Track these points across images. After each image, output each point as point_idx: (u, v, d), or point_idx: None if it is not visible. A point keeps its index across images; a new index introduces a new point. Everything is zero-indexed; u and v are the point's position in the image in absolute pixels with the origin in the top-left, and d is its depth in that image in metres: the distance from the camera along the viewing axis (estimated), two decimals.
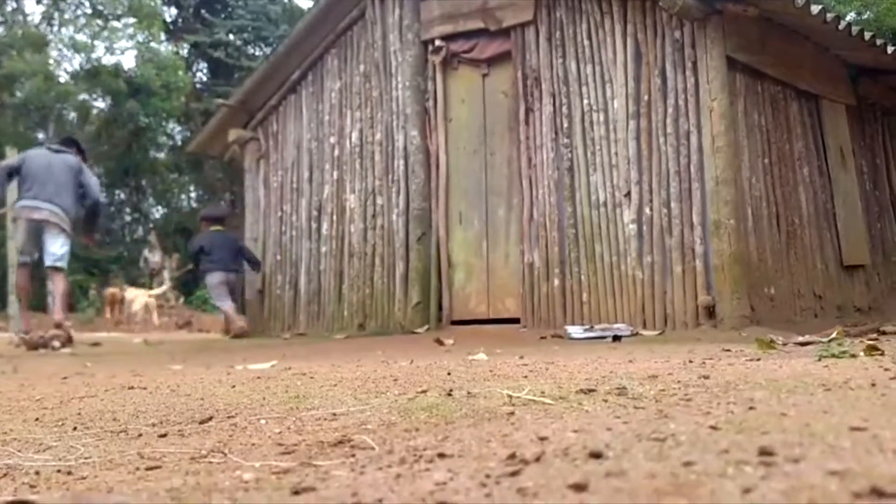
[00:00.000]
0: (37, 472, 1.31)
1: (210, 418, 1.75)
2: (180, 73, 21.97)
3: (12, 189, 6.70)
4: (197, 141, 9.19)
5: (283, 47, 8.02)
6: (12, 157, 7.71)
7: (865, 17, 11.53)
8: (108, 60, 22.34)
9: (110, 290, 15.75)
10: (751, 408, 1.30)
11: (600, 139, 5.90)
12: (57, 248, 6.26)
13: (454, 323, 6.50)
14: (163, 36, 23.31)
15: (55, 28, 23.08)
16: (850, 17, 11.20)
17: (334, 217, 7.42)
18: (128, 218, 24.57)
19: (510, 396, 1.73)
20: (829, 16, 5.68)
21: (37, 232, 6.27)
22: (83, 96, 21.83)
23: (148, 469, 1.29)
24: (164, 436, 1.59)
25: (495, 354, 3.52)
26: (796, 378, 1.74)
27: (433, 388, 1.99)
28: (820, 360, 2.25)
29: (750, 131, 5.75)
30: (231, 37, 23.99)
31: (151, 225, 23.32)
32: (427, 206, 6.80)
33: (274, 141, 8.09)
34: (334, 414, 1.70)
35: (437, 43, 6.82)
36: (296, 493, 0.98)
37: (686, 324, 5.33)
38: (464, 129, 6.73)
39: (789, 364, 2.14)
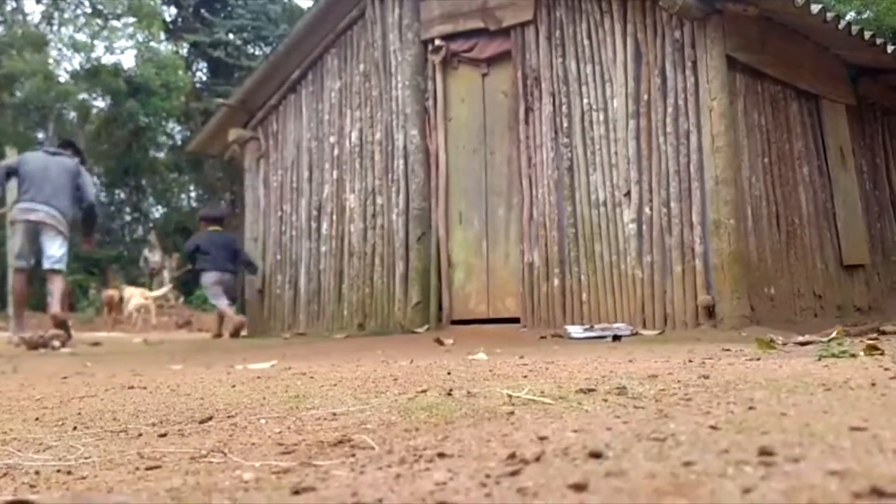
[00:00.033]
0: (37, 472, 1.31)
1: (210, 418, 1.75)
2: (180, 72, 21.97)
3: (11, 189, 6.69)
4: (197, 140, 9.20)
5: (282, 47, 8.02)
6: (11, 157, 7.68)
7: (865, 16, 11.53)
8: (107, 60, 22.39)
9: (108, 293, 15.76)
10: (751, 408, 1.30)
11: (600, 139, 5.90)
12: (55, 250, 6.26)
13: (454, 323, 6.50)
14: (162, 35, 23.31)
15: (55, 27, 23.07)
16: (850, 16, 11.20)
17: (334, 217, 7.42)
18: (128, 217, 24.55)
19: (510, 396, 1.73)
20: (829, 15, 5.68)
21: (34, 234, 6.27)
22: (83, 96, 21.82)
23: (148, 469, 1.28)
24: (163, 435, 1.59)
25: (495, 354, 3.52)
26: (796, 378, 1.74)
27: (433, 388, 1.98)
28: (820, 359, 2.25)
29: (750, 131, 5.75)
30: (231, 36, 23.96)
31: (151, 224, 23.30)
32: (427, 205, 6.80)
33: (274, 140, 8.09)
34: (334, 414, 1.70)
35: (437, 42, 6.82)
36: (296, 492, 0.98)
37: (686, 323, 5.33)
38: (463, 129, 6.73)
39: (789, 364, 2.14)
